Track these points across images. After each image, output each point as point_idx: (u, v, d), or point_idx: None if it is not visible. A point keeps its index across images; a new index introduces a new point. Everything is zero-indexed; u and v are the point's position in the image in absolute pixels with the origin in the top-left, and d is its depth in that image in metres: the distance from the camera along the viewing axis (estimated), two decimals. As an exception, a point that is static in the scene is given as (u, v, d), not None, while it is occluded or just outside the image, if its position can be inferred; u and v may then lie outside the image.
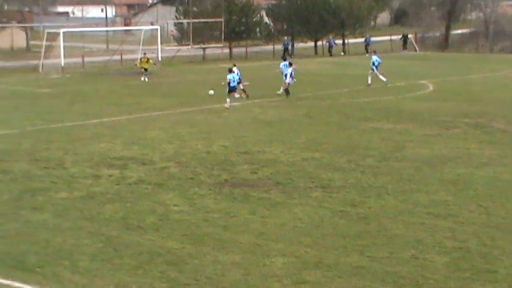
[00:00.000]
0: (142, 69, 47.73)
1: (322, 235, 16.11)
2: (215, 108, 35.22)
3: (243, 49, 68.75)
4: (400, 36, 78.20)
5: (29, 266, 14.19)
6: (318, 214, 17.70)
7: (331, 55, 71.19)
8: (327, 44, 72.56)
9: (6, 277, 13.57)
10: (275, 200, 18.97)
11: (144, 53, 48.40)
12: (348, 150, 25.16)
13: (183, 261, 14.48)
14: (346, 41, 75.26)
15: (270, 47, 72.00)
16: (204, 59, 66.84)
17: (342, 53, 73.34)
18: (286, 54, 66.82)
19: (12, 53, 71.94)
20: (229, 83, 35.15)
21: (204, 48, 67.86)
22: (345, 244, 15.47)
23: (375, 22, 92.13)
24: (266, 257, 14.72)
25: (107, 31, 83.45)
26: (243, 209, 18.12)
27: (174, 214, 17.73)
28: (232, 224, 16.92)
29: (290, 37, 72.50)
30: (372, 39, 74.74)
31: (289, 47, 70.80)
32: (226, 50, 68.74)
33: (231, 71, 35.82)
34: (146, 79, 46.96)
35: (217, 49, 68.01)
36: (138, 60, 49.13)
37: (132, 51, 64.04)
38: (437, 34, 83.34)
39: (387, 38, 79.47)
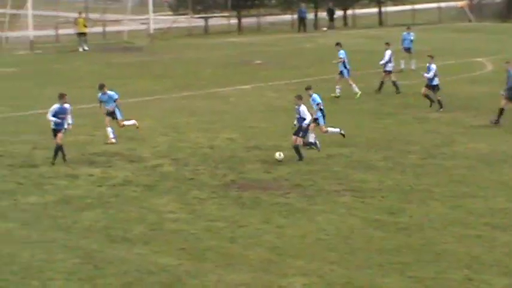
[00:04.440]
0: (78, 36, 43.54)
1: (352, 250, 16.11)
2: (220, 92, 35.26)
3: (255, 19, 68.68)
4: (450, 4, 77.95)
5: (-11, 287, 14.29)
6: (347, 224, 17.70)
7: (302, 30, 66.76)
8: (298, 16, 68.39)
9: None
10: (293, 206, 18.99)
11: (79, 12, 43.93)
12: (384, 145, 25.14)
13: (179, 281, 14.52)
14: (382, 10, 75.05)
15: (287, 17, 71.84)
16: (206, 31, 66.88)
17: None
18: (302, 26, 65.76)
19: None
20: None
21: (206, 18, 67.88)
22: (381, 261, 15.46)
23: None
24: (282, 276, 14.73)
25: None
26: (253, 217, 18.14)
27: (169, 223, 17.77)
28: (241, 236, 16.95)
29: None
30: (416, 6, 74.57)
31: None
32: (234, 21, 68.71)
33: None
34: (86, 48, 42.24)
35: (222, 19, 68.03)
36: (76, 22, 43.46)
37: (117, 22, 64.11)
38: (498, 0, 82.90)
39: (434, 5, 79.11)
